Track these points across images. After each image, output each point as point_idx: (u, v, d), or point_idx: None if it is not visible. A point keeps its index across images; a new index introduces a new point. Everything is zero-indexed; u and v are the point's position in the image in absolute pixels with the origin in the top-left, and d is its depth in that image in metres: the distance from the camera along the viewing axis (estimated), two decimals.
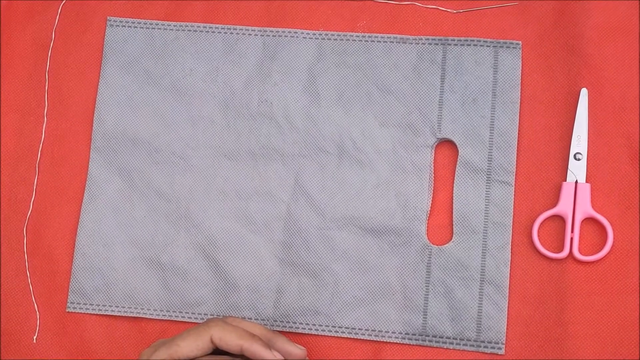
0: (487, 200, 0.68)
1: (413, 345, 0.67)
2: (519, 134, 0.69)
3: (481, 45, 0.70)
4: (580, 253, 0.66)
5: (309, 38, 0.72)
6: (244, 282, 0.69)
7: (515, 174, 0.68)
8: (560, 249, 0.67)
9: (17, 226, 0.72)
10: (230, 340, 0.60)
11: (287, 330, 0.68)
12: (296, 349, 0.63)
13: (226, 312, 0.69)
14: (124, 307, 0.70)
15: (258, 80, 0.72)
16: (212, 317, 0.69)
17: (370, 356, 0.67)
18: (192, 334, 0.60)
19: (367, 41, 0.71)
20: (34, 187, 0.72)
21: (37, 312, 0.70)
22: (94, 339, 0.70)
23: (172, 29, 0.73)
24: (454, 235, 0.68)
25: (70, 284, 0.70)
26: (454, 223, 0.68)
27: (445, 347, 0.66)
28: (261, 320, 0.68)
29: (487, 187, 0.68)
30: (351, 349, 0.68)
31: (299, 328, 0.68)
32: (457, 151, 0.69)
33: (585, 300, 0.65)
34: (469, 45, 0.70)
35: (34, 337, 0.70)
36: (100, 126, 0.72)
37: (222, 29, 0.73)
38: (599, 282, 0.66)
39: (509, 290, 0.66)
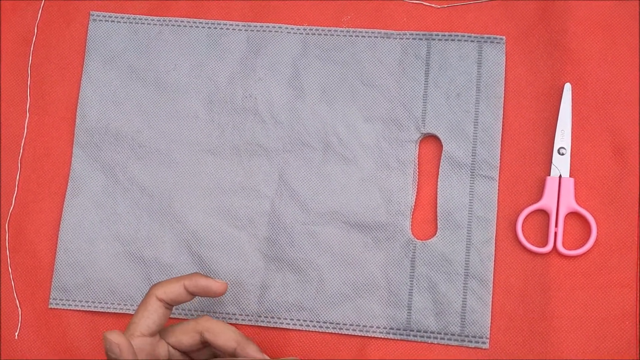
0: (471, 195, 0.68)
1: (397, 340, 0.67)
2: (503, 128, 0.69)
3: (465, 41, 0.70)
4: (564, 247, 0.66)
5: (294, 33, 0.72)
6: (228, 278, 0.69)
7: (499, 169, 0.68)
8: (544, 243, 0.67)
9: None
10: (171, 287, 0.61)
11: (272, 325, 0.68)
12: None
13: (210, 307, 0.68)
14: (107, 303, 0.69)
15: (242, 75, 0.71)
16: (194, 312, 0.68)
17: (355, 351, 0.67)
18: (139, 306, 0.61)
19: (352, 36, 0.71)
20: (16, 183, 0.72)
21: (19, 309, 0.70)
22: (77, 335, 0.69)
23: (155, 24, 0.73)
24: (438, 230, 0.68)
25: (53, 280, 0.70)
26: (438, 218, 0.68)
27: (429, 341, 0.66)
28: (245, 315, 0.68)
29: (471, 181, 0.68)
30: (336, 344, 0.67)
31: (283, 323, 0.68)
32: (442, 146, 0.69)
33: (569, 295, 0.66)
34: (453, 40, 0.70)
35: (16, 334, 0.70)
36: (83, 121, 0.72)
37: (206, 24, 0.73)
38: (582, 277, 0.66)
39: (493, 285, 0.67)
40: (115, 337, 0.57)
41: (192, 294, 0.62)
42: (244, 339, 0.61)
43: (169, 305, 0.61)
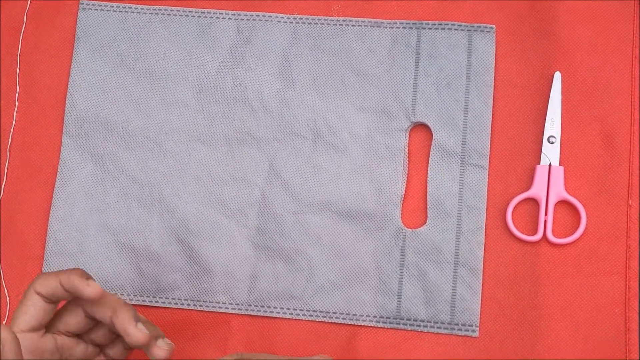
0: (461, 184, 0.68)
1: (387, 328, 0.67)
2: (492, 117, 0.69)
3: (455, 29, 0.70)
4: (554, 235, 0.66)
5: (284, 22, 0.72)
6: (218, 267, 0.69)
7: (489, 158, 0.68)
8: (534, 231, 0.67)
9: None
10: (48, 281, 0.56)
11: (262, 314, 0.68)
12: (137, 332, 0.56)
13: (200, 296, 0.68)
14: None
15: (232, 64, 0.71)
16: (184, 301, 0.68)
17: (345, 340, 0.67)
18: (22, 298, 0.56)
19: (342, 25, 0.71)
20: (5, 172, 0.72)
21: (7, 298, 0.70)
22: None
23: (145, 13, 0.73)
24: (428, 218, 0.68)
25: (43, 269, 0.70)
26: (428, 207, 0.68)
27: (419, 330, 0.66)
28: (236, 304, 0.68)
29: (461, 170, 0.68)
30: (326, 332, 0.67)
31: (273, 312, 0.68)
32: (432, 135, 0.69)
33: (559, 283, 0.66)
34: (443, 29, 0.70)
35: (4, 322, 0.69)
36: (72, 110, 0.72)
37: (195, 12, 0.73)
38: (572, 265, 0.66)
39: (483, 273, 0.67)
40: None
41: (68, 292, 0.56)
42: (120, 305, 0.56)
43: (49, 300, 0.56)
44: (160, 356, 0.57)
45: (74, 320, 0.58)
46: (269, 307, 0.68)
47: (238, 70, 0.71)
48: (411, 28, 0.70)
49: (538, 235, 0.66)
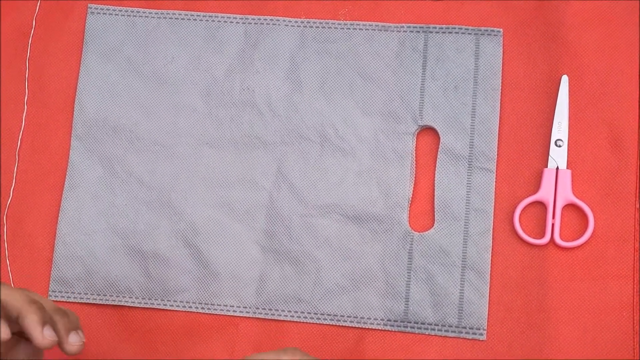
0: (468, 187, 0.68)
1: (395, 331, 0.67)
2: (500, 121, 0.69)
3: (462, 33, 0.70)
4: (562, 239, 0.66)
5: (291, 26, 0.72)
6: (226, 270, 0.69)
7: (497, 161, 0.68)
8: (541, 235, 0.67)
9: None
10: (12, 300, 0.53)
11: (270, 317, 0.68)
12: (41, 339, 0.53)
13: (208, 299, 0.68)
14: (106, 295, 0.69)
15: (240, 68, 0.72)
16: (192, 304, 0.68)
17: (353, 343, 0.67)
18: None
19: (349, 29, 0.71)
20: (14, 175, 0.72)
21: None
22: None
23: (153, 17, 0.73)
24: (435, 222, 0.68)
25: (52, 272, 0.70)
26: (435, 210, 0.68)
27: (427, 333, 0.66)
28: (244, 307, 0.68)
29: (469, 173, 0.68)
30: (333, 335, 0.67)
31: (281, 315, 0.68)
32: (439, 138, 0.69)
33: (567, 286, 0.66)
34: (451, 32, 0.70)
35: None
36: (81, 114, 0.72)
37: (203, 16, 0.73)
38: (580, 268, 0.66)
39: (491, 276, 0.67)
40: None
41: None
42: (24, 307, 0.53)
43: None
44: (71, 353, 0.55)
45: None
46: (277, 310, 0.68)
47: (246, 74, 0.71)
48: (418, 32, 0.71)
49: (545, 239, 0.66)
